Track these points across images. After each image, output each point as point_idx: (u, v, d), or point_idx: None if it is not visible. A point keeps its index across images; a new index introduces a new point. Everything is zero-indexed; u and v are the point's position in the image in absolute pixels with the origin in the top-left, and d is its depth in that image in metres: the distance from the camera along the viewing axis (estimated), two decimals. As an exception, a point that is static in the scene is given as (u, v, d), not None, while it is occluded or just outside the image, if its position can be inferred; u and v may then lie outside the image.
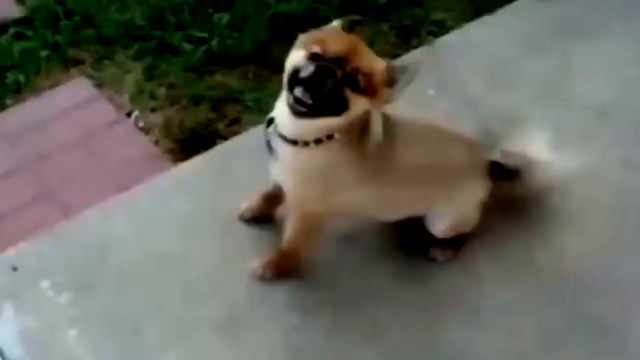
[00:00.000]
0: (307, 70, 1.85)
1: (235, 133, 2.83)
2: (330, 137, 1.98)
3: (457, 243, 2.36)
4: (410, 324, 2.25)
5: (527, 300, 2.30)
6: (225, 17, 3.27)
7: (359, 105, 1.90)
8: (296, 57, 1.92)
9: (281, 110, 2.00)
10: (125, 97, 3.01)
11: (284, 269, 2.32)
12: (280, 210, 2.41)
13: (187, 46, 3.17)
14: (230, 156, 2.69)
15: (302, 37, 1.98)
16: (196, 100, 2.96)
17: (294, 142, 2.01)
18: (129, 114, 2.96)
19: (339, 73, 1.84)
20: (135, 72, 3.09)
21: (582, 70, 2.99)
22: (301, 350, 2.21)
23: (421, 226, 2.33)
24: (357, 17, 2.25)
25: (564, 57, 3.05)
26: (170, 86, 3.04)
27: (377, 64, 1.92)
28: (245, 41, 3.15)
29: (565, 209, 2.50)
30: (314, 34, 1.99)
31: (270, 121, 2.09)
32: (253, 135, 2.74)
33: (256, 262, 2.33)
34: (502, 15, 3.21)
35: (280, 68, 3.01)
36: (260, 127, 2.61)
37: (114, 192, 2.63)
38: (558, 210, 2.50)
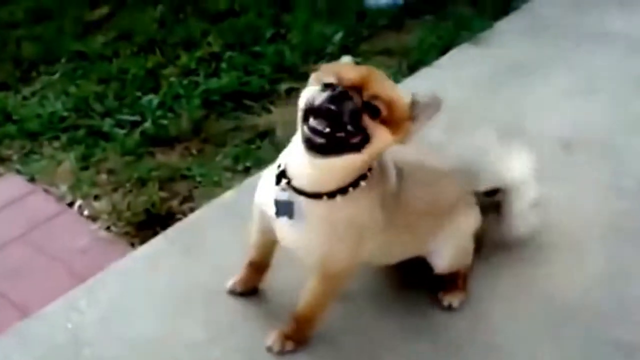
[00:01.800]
0: (322, 97, 1.70)
1: (191, 210, 2.70)
2: (355, 185, 1.85)
3: (463, 283, 2.29)
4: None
5: (542, 332, 2.22)
6: (155, 100, 3.18)
7: (381, 138, 1.75)
8: (309, 92, 1.76)
9: (294, 160, 1.86)
10: (63, 189, 2.83)
11: (303, 337, 2.13)
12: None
13: (120, 131, 3.05)
14: (194, 230, 2.56)
15: (314, 74, 1.83)
16: (142, 182, 2.82)
17: (317, 196, 1.84)
18: (70, 205, 2.77)
19: (357, 99, 1.71)
20: (68, 163, 2.93)
21: (535, 106, 3.06)
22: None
23: (423, 276, 2.26)
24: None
25: (515, 96, 3.12)
26: (110, 172, 2.89)
27: (398, 95, 1.79)
28: (182, 119, 3.07)
29: (557, 238, 2.48)
30: (325, 67, 1.84)
31: (279, 178, 1.90)
32: (213, 208, 2.66)
33: (271, 338, 2.12)
34: (441, 65, 3.29)
35: (222, 141, 3.02)
36: (214, 202, 2.60)
37: (72, 285, 2.42)
38: (550, 240, 2.47)
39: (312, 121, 1.71)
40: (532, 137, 2.90)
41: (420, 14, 3.85)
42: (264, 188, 2.01)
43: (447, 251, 2.20)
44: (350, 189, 1.85)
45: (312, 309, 2.08)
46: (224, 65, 3.39)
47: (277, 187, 1.90)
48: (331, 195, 1.84)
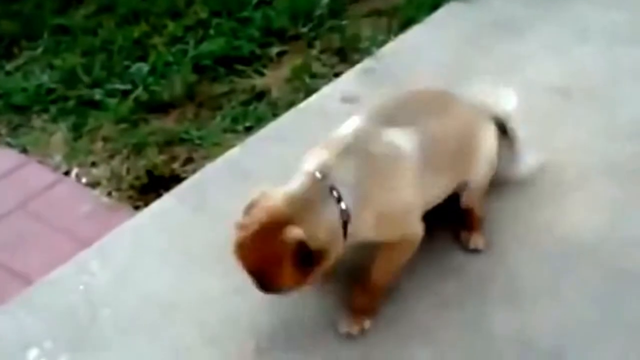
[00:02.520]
0: None
1: (194, 171, 2.62)
2: None
3: (480, 224, 2.25)
4: (455, 321, 2.06)
5: (561, 270, 2.18)
6: (144, 67, 3.10)
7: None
8: None
9: None
10: (57, 159, 2.73)
11: (376, 307, 2.03)
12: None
13: (111, 100, 2.96)
14: (202, 188, 2.49)
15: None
16: (139, 148, 2.73)
17: None
18: (66, 174, 2.68)
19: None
20: (60, 133, 2.84)
21: (530, 59, 3.03)
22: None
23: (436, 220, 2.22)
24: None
25: (507, 49, 3.10)
26: (105, 139, 2.80)
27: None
28: (175, 85, 2.98)
29: (563, 177, 2.46)
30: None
31: None
32: (218, 166, 2.59)
33: (345, 323, 2.00)
34: (431, 23, 3.26)
35: (217, 104, 2.95)
36: (219, 160, 2.56)
37: (78, 251, 2.33)
38: (557, 179, 2.45)
39: None
40: (529, 86, 2.88)
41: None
42: None
43: (482, 169, 2.15)
44: None
45: (387, 274, 2.01)
46: (212, 32, 3.30)
47: None
48: None
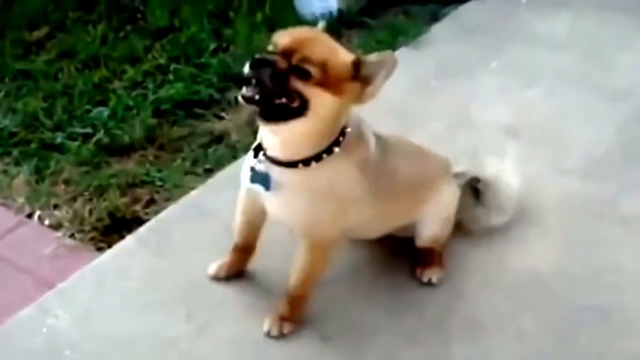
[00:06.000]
0: (246, 66, 1.78)
1: (156, 213, 2.69)
2: (329, 152, 1.91)
3: (439, 258, 2.35)
4: (416, 356, 2.15)
5: (519, 304, 2.29)
6: (105, 111, 3.17)
7: (319, 100, 1.80)
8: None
9: (264, 131, 1.94)
10: (20, 201, 2.78)
11: (298, 315, 2.16)
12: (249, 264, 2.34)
13: (73, 143, 3.03)
14: (164, 230, 2.56)
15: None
16: (101, 190, 2.80)
17: (293, 165, 1.91)
18: (29, 216, 2.73)
19: (282, 63, 1.76)
20: (22, 176, 2.89)
21: (479, 101, 3.19)
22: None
23: (398, 255, 2.34)
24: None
25: (458, 93, 3.25)
26: (67, 182, 2.86)
27: (336, 56, 1.82)
28: (136, 128, 3.06)
29: (518, 214, 2.55)
30: (276, 34, 1.89)
31: (257, 151, 1.98)
32: (180, 207, 2.67)
33: (267, 323, 2.14)
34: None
35: (178, 147, 3.03)
36: (180, 202, 2.64)
37: (42, 292, 2.38)
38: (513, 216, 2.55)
39: (243, 89, 1.79)
40: (478, 127, 3.03)
41: (355, 25, 3.95)
42: (247, 168, 2.05)
43: (432, 222, 2.27)
44: (324, 155, 1.91)
45: (304, 284, 2.11)
46: (171, 76, 3.40)
47: (255, 160, 1.97)
48: (306, 162, 1.90)
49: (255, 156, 1.98)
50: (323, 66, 1.78)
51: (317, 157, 1.91)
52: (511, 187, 2.46)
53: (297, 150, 1.91)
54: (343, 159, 1.93)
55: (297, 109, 1.80)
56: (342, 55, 1.85)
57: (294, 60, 1.78)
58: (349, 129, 1.95)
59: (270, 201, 2.01)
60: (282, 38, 1.81)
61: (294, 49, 1.78)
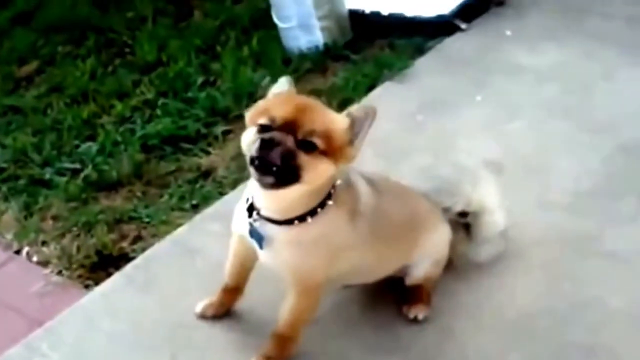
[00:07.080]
0: (254, 147, 1.78)
1: (143, 249, 2.71)
2: (322, 206, 1.93)
3: (427, 296, 2.36)
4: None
5: (506, 342, 2.29)
6: (93, 147, 3.21)
7: (321, 167, 1.82)
8: (247, 136, 1.85)
9: (256, 193, 1.95)
10: (8, 237, 2.81)
11: (285, 356, 2.16)
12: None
13: (61, 179, 3.05)
14: (150, 267, 2.58)
15: (248, 115, 1.89)
16: (89, 226, 2.82)
17: (289, 222, 1.93)
18: (17, 252, 2.75)
19: (289, 141, 1.77)
20: (10, 212, 2.92)
21: (463, 135, 3.20)
22: None
23: (384, 293, 2.34)
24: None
25: (443, 127, 3.27)
26: (55, 218, 2.89)
27: (335, 122, 1.84)
28: (123, 164, 3.09)
29: (508, 253, 2.56)
30: (258, 105, 1.91)
31: (250, 211, 1.99)
32: (167, 244, 2.68)
33: None
34: (368, 102, 3.39)
35: (165, 182, 3.05)
36: (167, 239, 2.66)
37: (29, 330, 2.40)
38: (503, 256, 2.56)
39: (252, 172, 1.81)
40: (463, 161, 3.04)
41: (341, 58, 3.99)
42: (239, 216, 2.08)
43: (425, 263, 2.29)
44: (319, 209, 1.93)
45: (291, 326, 2.12)
46: (158, 111, 3.43)
47: (249, 219, 1.98)
48: (302, 219, 1.92)
49: (250, 216, 1.99)
50: (327, 136, 1.80)
51: (312, 212, 1.93)
52: (497, 222, 2.47)
53: (293, 210, 1.93)
54: (334, 210, 1.96)
55: (292, 177, 1.82)
56: (339, 121, 1.87)
57: (300, 135, 1.79)
58: (338, 181, 1.97)
59: (264, 252, 2.04)
60: (280, 110, 1.81)
61: (296, 122, 1.79)
